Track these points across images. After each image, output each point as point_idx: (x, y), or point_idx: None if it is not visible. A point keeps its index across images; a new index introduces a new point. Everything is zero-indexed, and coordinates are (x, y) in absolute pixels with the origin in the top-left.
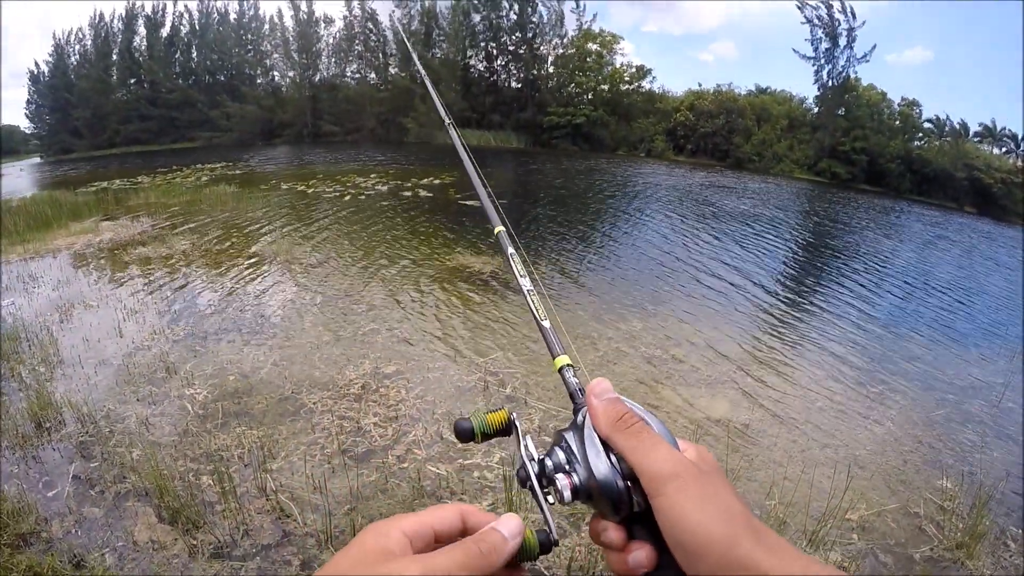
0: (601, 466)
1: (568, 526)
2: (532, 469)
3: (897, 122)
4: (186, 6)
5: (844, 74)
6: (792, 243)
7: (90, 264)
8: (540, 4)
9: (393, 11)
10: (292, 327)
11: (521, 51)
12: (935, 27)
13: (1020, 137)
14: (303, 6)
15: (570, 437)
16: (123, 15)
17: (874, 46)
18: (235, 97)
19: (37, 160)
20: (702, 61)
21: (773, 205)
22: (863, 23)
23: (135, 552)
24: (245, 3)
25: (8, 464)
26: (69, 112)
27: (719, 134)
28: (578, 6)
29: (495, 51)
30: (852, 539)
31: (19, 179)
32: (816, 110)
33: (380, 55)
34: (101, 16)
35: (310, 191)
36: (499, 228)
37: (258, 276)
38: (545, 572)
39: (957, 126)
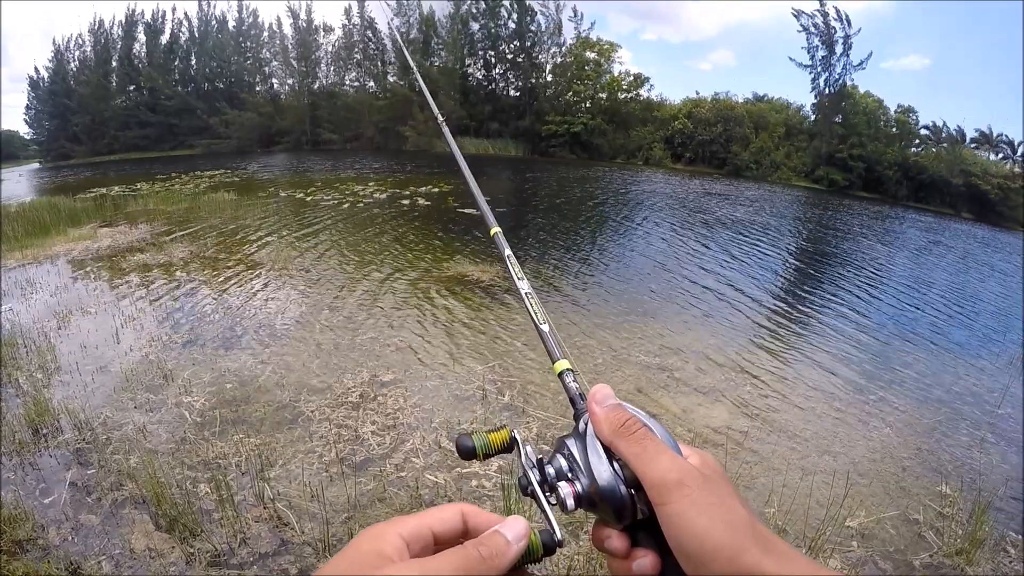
0: (604, 473)
1: (567, 534)
2: (534, 477)
3: (894, 129)
4: (186, 13)
5: (841, 81)
6: (790, 251)
7: (88, 270)
8: (539, 13)
9: (392, 19)
10: (290, 335)
11: (519, 59)
12: (931, 34)
13: (1017, 143)
14: (302, 14)
15: (572, 444)
16: (123, 22)
17: (870, 53)
18: (234, 104)
19: (36, 165)
20: (700, 69)
21: (770, 213)
22: (859, 30)
23: (132, 560)
24: (244, 11)
25: (5, 471)
26: (68, 118)
27: (717, 142)
28: (576, 15)
29: (493, 59)
30: (852, 546)
31: (18, 184)
32: (813, 118)
33: (379, 63)
34: (101, 22)
35: (309, 199)
36: (495, 229)
37: (256, 284)
38: None
39: (954, 132)
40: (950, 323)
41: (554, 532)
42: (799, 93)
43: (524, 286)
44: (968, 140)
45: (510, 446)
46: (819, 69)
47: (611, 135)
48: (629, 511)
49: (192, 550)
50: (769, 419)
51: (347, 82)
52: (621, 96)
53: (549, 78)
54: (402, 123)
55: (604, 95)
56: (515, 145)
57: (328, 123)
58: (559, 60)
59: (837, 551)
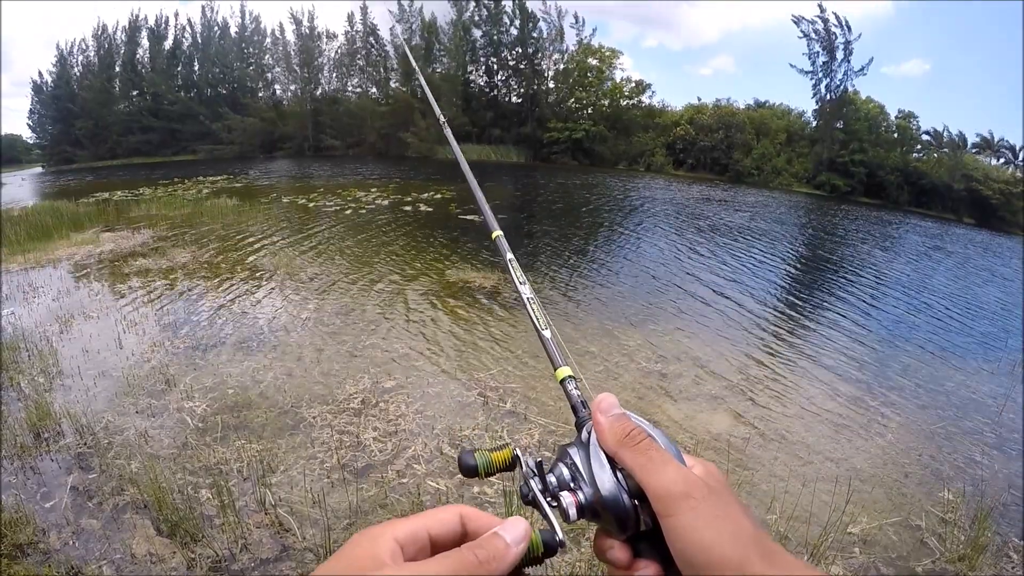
0: (608, 483)
1: (569, 542)
2: (536, 486)
3: (895, 134)
4: (189, 19)
5: (842, 87)
6: (791, 257)
7: (90, 275)
8: (540, 19)
9: (394, 26)
10: (292, 341)
11: (522, 66)
12: (932, 39)
13: (1018, 147)
14: (305, 20)
15: (575, 453)
16: (126, 27)
17: (871, 59)
18: (236, 110)
19: (39, 170)
20: (701, 75)
21: (772, 219)
22: (859, 36)
23: (133, 564)
24: (247, 17)
25: (6, 474)
26: (71, 122)
27: (718, 148)
28: (577, 21)
29: (496, 66)
30: (854, 552)
31: (21, 188)
32: (814, 123)
33: (381, 69)
34: (104, 27)
35: (311, 205)
36: (497, 232)
37: (258, 290)
38: None
39: (955, 137)
40: (951, 329)
41: (555, 532)
42: (800, 99)
43: (526, 291)
44: (969, 145)
45: (512, 464)
46: (820, 75)
47: (613, 141)
48: (632, 522)
49: (193, 555)
50: (770, 425)
51: (349, 88)
52: (623, 102)
53: (551, 84)
54: (404, 129)
55: (606, 101)
56: (517, 151)
57: (330, 129)
58: (561, 67)
59: (839, 557)
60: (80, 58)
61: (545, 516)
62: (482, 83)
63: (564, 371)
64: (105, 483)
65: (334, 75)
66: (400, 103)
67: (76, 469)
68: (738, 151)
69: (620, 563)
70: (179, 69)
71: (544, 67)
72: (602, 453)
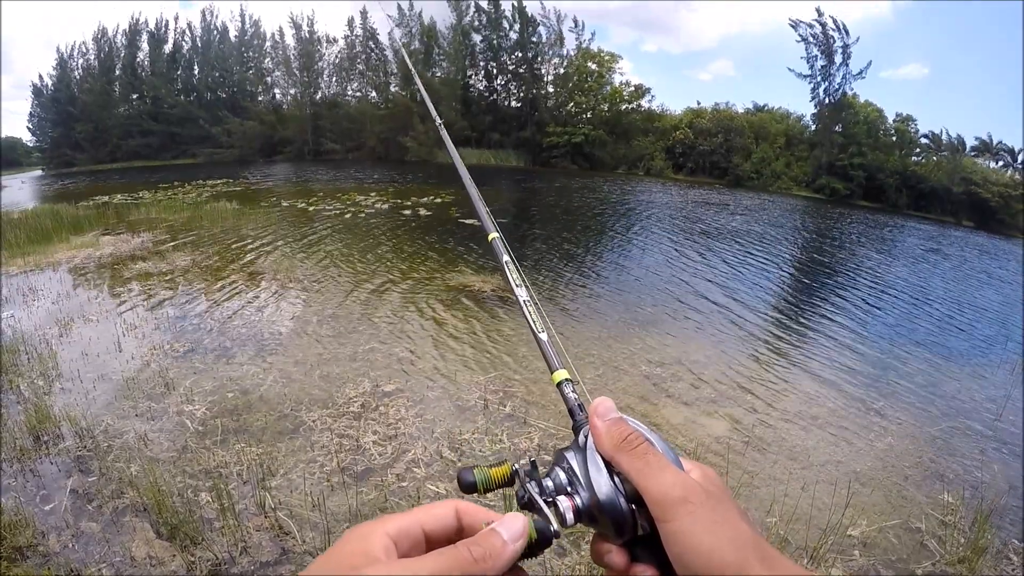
0: (605, 487)
1: (568, 545)
2: (532, 490)
3: (894, 138)
4: (189, 23)
5: (840, 91)
6: (790, 261)
7: (90, 278)
8: (540, 24)
9: (393, 29)
10: (292, 344)
11: (521, 70)
12: (930, 42)
13: (1017, 150)
14: (305, 25)
15: (572, 457)
16: (126, 30)
17: (869, 63)
18: (236, 113)
19: (39, 173)
20: (700, 79)
21: (771, 223)
22: (857, 39)
23: (132, 567)
24: (247, 21)
25: (6, 477)
26: (71, 126)
27: (718, 152)
28: (577, 25)
29: (495, 70)
30: (854, 555)
31: (20, 191)
32: (813, 127)
33: (381, 73)
34: (104, 31)
35: (310, 208)
36: (493, 234)
37: (258, 293)
38: None
39: (954, 140)
40: (950, 332)
41: (550, 522)
42: (799, 103)
43: (522, 294)
44: (968, 148)
45: (511, 480)
46: (819, 79)
47: (612, 145)
48: (630, 526)
49: (193, 558)
50: (770, 429)
51: (349, 92)
52: (622, 107)
53: (550, 89)
54: (403, 133)
55: (605, 106)
56: (516, 156)
57: (330, 133)
58: (560, 71)
59: (839, 560)
60: (80, 61)
61: (540, 511)
62: (481, 87)
63: (561, 374)
64: (105, 486)
65: (334, 79)
66: (400, 107)
67: (76, 472)
68: (737, 155)
69: (617, 567)
70: (179, 73)
71: (543, 71)
72: (599, 457)
